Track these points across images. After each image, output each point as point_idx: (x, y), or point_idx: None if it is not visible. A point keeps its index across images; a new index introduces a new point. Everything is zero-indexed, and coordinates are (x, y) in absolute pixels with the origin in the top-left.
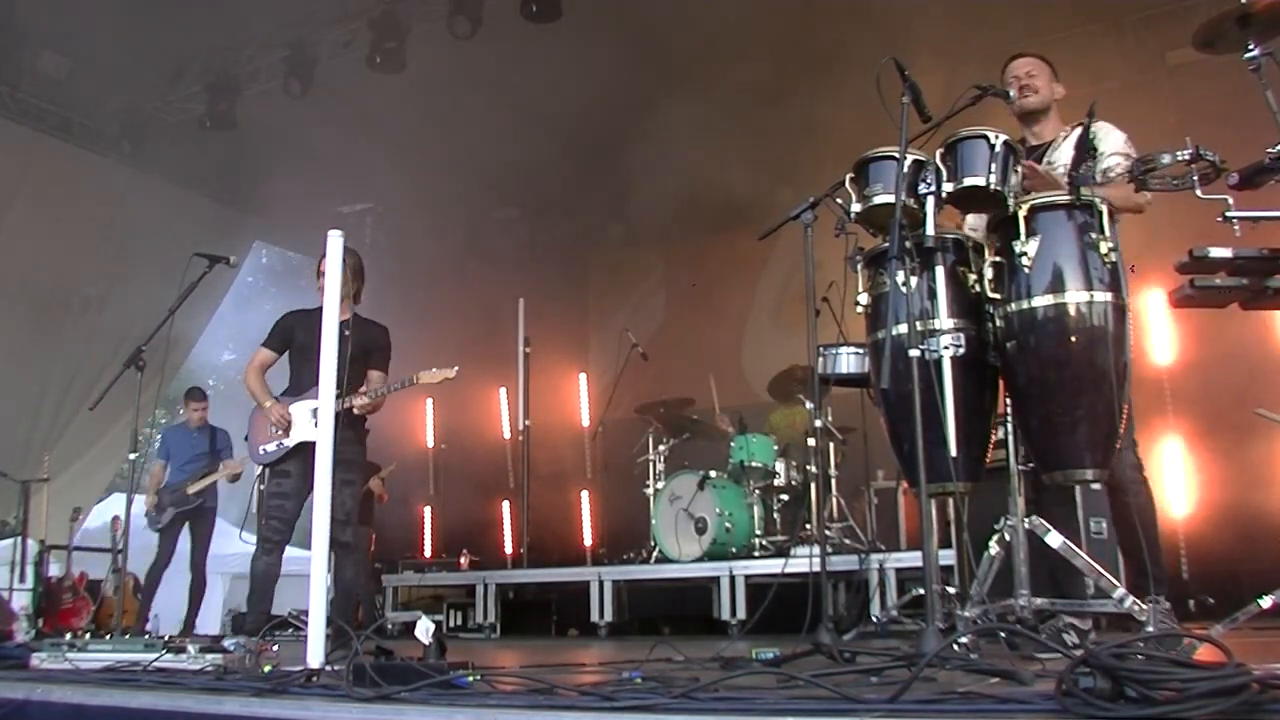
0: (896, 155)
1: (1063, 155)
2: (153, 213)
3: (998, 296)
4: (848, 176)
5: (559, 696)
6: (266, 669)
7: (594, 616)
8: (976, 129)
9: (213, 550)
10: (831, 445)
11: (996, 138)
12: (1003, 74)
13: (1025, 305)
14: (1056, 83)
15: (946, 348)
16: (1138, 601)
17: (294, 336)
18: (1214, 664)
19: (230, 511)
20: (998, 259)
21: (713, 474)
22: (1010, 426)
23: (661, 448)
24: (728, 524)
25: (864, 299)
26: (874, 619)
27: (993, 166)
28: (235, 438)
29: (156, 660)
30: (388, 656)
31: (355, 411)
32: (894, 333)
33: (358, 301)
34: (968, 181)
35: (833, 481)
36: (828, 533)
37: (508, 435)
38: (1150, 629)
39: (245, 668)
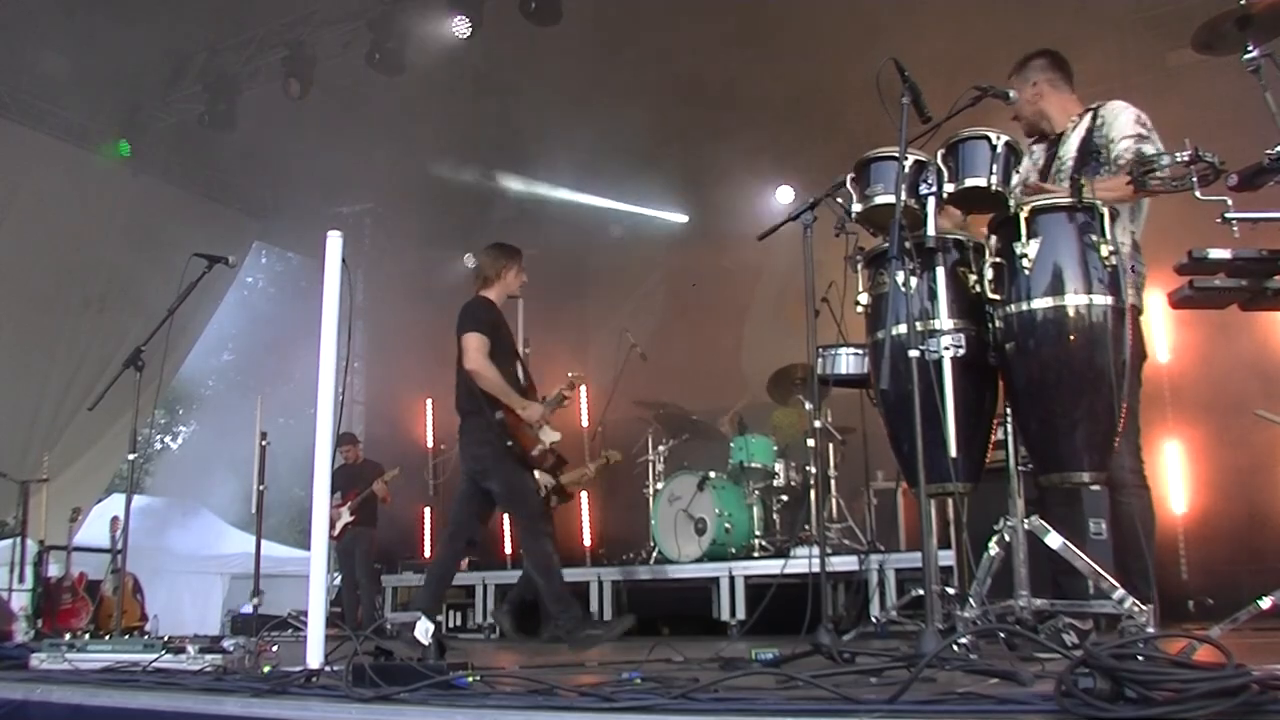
0: (897, 155)
1: (1070, 148)
2: (153, 213)
3: (998, 298)
4: (848, 176)
5: (559, 697)
6: (266, 669)
7: (594, 617)
8: (978, 130)
9: (213, 550)
10: (831, 446)
11: (998, 138)
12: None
13: (1025, 307)
14: (1047, 71)
15: (947, 348)
16: (1138, 602)
17: (499, 330)
18: (1214, 665)
19: (228, 512)
20: (998, 260)
21: (712, 474)
22: (1010, 427)
23: (661, 448)
24: (727, 524)
25: (864, 299)
26: (873, 620)
27: (994, 167)
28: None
29: (156, 660)
30: (387, 657)
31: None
32: (894, 333)
33: (486, 286)
34: (969, 182)
35: (832, 482)
36: (827, 533)
37: None
38: (1150, 630)
39: (245, 668)
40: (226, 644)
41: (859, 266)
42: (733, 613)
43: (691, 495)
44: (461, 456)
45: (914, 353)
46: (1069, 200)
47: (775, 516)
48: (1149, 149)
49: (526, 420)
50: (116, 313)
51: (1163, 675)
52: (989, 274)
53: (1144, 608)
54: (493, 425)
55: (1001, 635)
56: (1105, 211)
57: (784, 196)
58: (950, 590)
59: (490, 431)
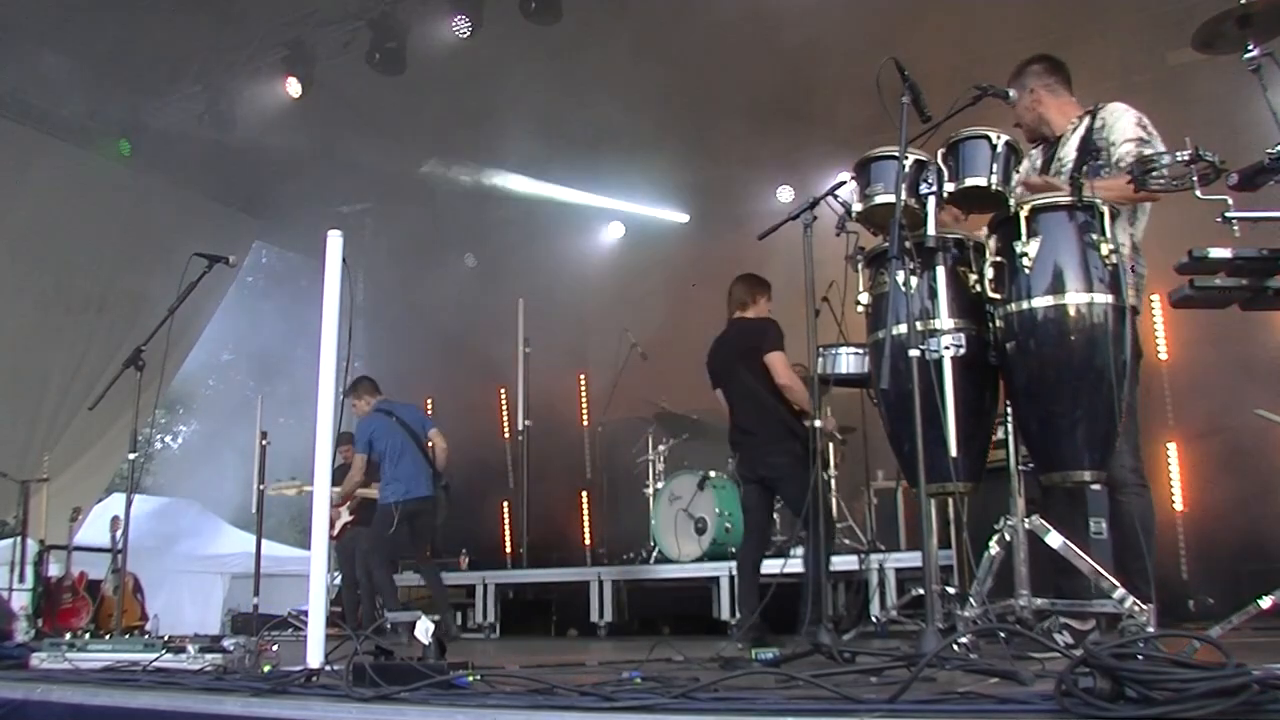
0: (897, 155)
1: (1070, 151)
2: (153, 213)
3: (998, 297)
4: (849, 175)
5: (559, 696)
6: (266, 669)
7: (594, 616)
8: (978, 129)
9: (213, 550)
10: (831, 445)
11: (998, 138)
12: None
13: (1025, 306)
14: (1044, 77)
15: (947, 348)
16: (1138, 602)
17: None
18: (1214, 664)
19: (228, 511)
20: (998, 259)
21: (712, 474)
22: (1010, 427)
23: (661, 448)
24: (727, 524)
25: (865, 298)
26: (873, 619)
27: (994, 167)
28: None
29: (156, 660)
30: (388, 656)
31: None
32: (894, 332)
33: (744, 310)
34: (969, 182)
35: (833, 481)
36: None
37: (508, 435)
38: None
39: (245, 668)
40: (226, 643)
41: (859, 266)
42: (733, 612)
43: (691, 495)
44: (751, 466)
45: (914, 352)
46: (1069, 199)
47: (775, 516)
48: (1149, 153)
49: (828, 431)
50: (117, 312)
51: (1163, 675)
52: (989, 273)
53: (1144, 607)
54: (799, 434)
55: (1002, 635)
56: (1105, 210)
57: (784, 196)
58: (950, 590)
59: (795, 441)
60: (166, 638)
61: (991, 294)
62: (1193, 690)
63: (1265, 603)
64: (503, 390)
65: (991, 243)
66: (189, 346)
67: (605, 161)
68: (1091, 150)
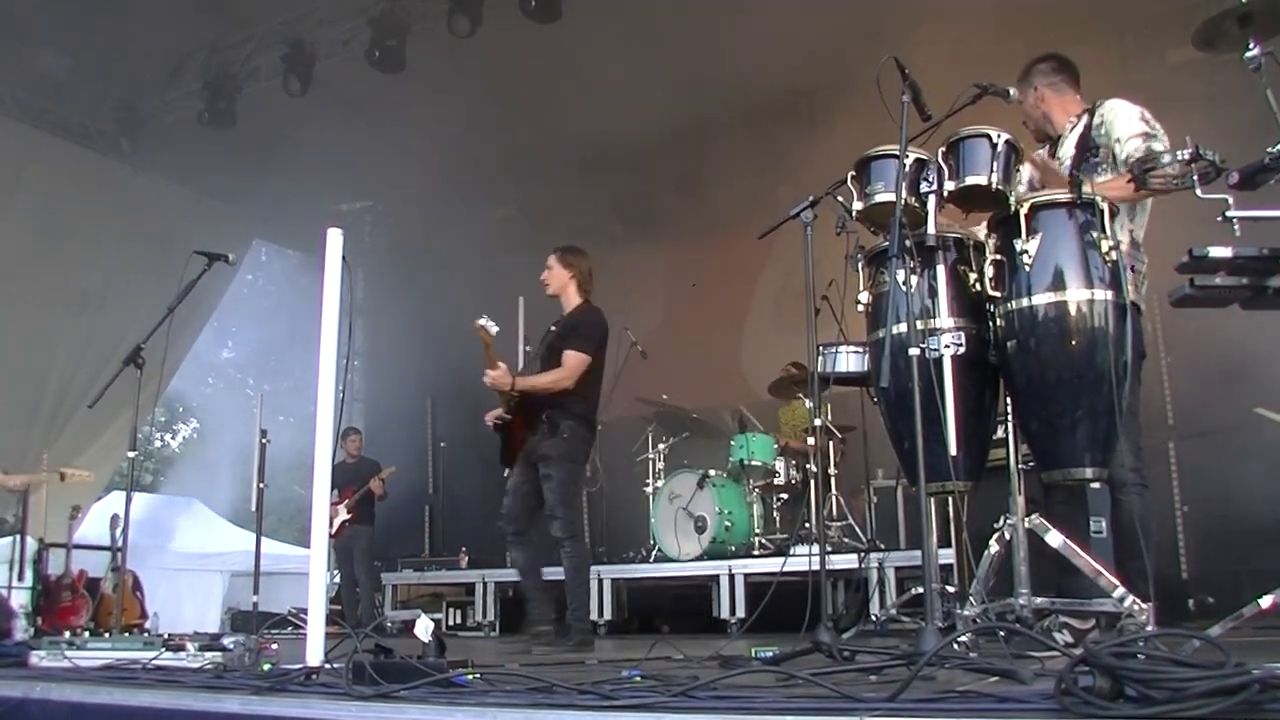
0: (898, 153)
1: (1069, 147)
2: (152, 211)
3: (998, 295)
4: (849, 174)
5: (558, 695)
6: (266, 667)
7: (593, 615)
8: (978, 128)
9: (212, 548)
10: (831, 444)
11: (999, 136)
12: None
13: (1025, 304)
14: (1049, 75)
15: (947, 346)
16: (1138, 601)
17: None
18: (1214, 663)
19: (227, 509)
20: (998, 257)
21: (712, 473)
22: (1010, 425)
23: (661, 446)
24: (727, 523)
25: (865, 297)
26: (873, 618)
27: (994, 165)
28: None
29: (155, 658)
30: (387, 655)
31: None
32: (894, 331)
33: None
34: (970, 180)
35: (832, 480)
36: (827, 531)
37: None
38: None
39: (244, 666)
40: (226, 641)
41: (859, 265)
42: (733, 611)
43: (691, 493)
44: None
45: (914, 351)
46: (1069, 196)
47: (775, 515)
48: (1158, 146)
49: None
50: (116, 310)
51: (1163, 674)
52: (989, 271)
53: (1144, 606)
54: None
55: (1001, 634)
56: (1105, 208)
57: (784, 196)
58: (950, 588)
59: None
60: (166, 636)
61: (991, 292)
62: (1192, 689)
63: (1265, 602)
64: None
65: (991, 241)
66: (189, 344)
67: (609, 158)
68: (1089, 148)
